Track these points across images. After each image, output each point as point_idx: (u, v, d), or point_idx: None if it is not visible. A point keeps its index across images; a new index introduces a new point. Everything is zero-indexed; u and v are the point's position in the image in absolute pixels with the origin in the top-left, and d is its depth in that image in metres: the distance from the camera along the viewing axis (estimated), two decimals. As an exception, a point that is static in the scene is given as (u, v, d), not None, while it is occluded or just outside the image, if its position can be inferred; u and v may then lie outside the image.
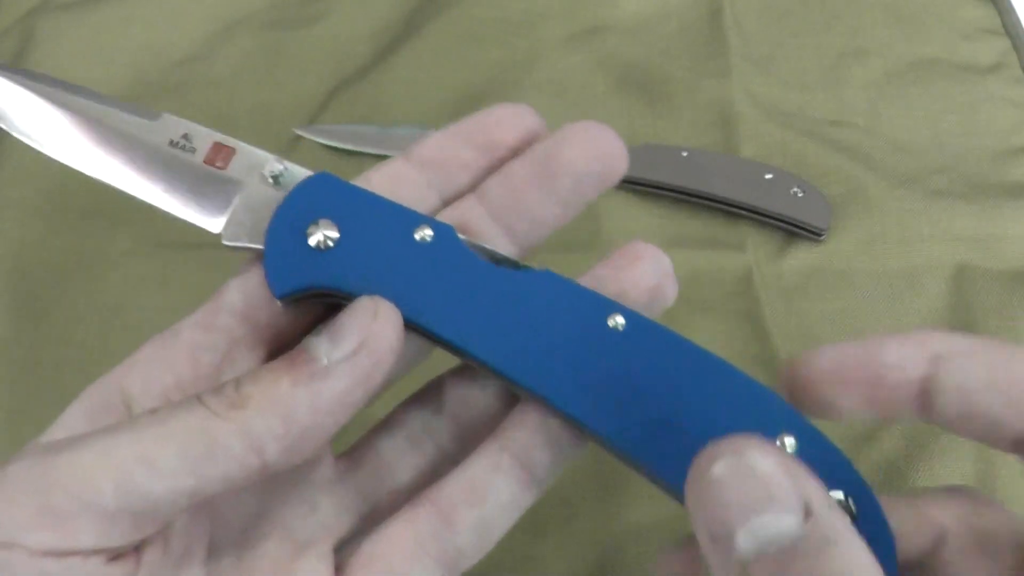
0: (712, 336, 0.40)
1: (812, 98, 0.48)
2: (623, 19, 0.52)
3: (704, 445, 0.18)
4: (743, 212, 0.44)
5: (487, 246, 0.24)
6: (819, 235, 0.43)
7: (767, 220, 0.43)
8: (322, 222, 0.23)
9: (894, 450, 0.37)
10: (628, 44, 0.51)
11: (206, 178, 0.25)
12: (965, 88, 0.48)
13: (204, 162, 0.25)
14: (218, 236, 0.25)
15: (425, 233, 0.23)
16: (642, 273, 0.24)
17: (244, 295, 0.24)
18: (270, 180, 0.25)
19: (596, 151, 0.24)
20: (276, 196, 0.24)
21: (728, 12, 0.51)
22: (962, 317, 0.41)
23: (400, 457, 0.25)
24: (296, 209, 0.23)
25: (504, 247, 0.25)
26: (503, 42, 0.51)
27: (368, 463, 0.25)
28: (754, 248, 0.43)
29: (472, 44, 0.51)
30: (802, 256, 0.43)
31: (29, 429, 0.39)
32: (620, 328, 0.22)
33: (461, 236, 0.23)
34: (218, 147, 0.25)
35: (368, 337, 0.21)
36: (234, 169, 0.25)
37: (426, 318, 0.22)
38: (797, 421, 0.21)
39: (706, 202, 0.44)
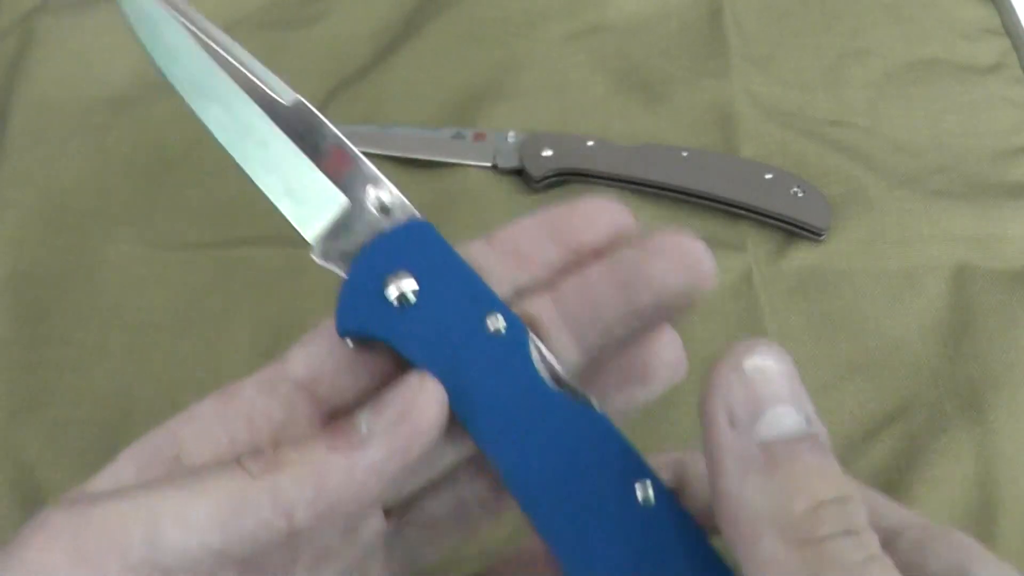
0: (712, 336, 0.40)
1: (812, 98, 0.48)
2: (623, 19, 0.52)
3: None
4: (743, 212, 0.43)
5: (553, 360, 0.22)
6: (819, 235, 0.43)
7: (767, 220, 0.43)
8: (404, 276, 0.22)
9: (894, 450, 0.37)
10: (628, 44, 0.51)
11: (317, 179, 0.24)
12: (965, 88, 0.48)
13: (321, 165, 0.24)
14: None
15: (499, 325, 0.22)
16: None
17: (308, 368, 0.23)
18: (378, 205, 0.24)
19: (684, 268, 0.23)
20: (376, 225, 0.23)
21: (728, 12, 0.51)
22: (962, 317, 0.40)
23: (447, 516, 0.25)
24: (385, 251, 0.23)
25: (570, 352, 0.23)
26: (503, 42, 0.51)
27: (416, 522, 0.25)
28: (754, 248, 0.43)
29: (472, 44, 0.51)
30: (802, 256, 0.43)
31: (29, 429, 0.39)
32: (650, 503, 0.21)
33: (532, 339, 0.22)
34: (338, 152, 0.24)
35: (409, 410, 0.21)
36: (347, 181, 0.24)
37: (468, 414, 0.22)
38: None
39: (706, 202, 0.44)
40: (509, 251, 0.24)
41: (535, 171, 0.45)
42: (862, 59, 0.50)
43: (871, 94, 0.48)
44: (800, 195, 0.43)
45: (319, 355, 0.23)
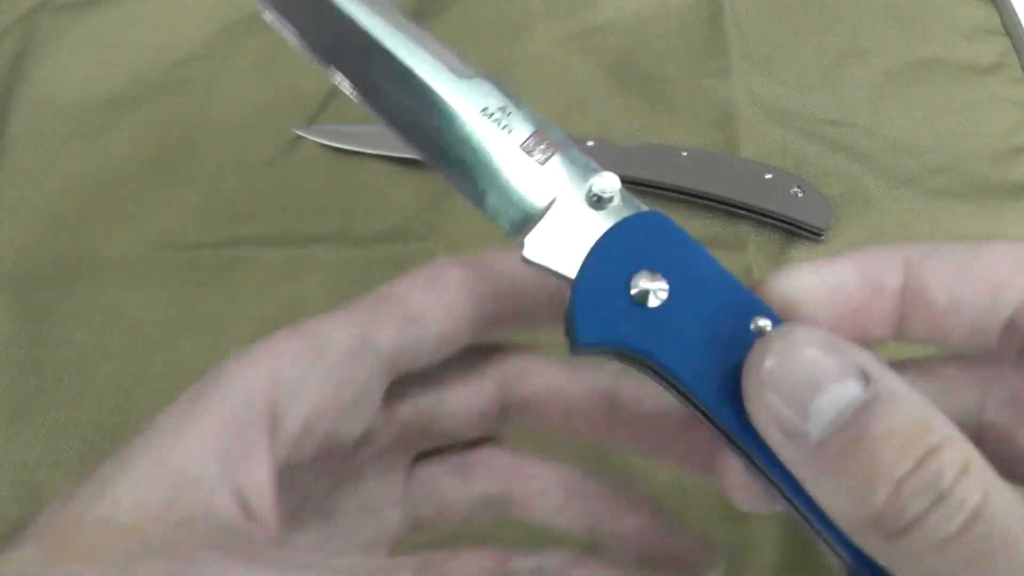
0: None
1: (812, 98, 0.48)
2: (623, 19, 0.52)
3: None
4: (743, 212, 0.43)
5: None
6: (819, 235, 0.43)
7: (767, 220, 0.43)
8: (652, 275, 0.19)
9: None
10: (628, 44, 0.51)
11: (518, 169, 0.21)
12: (965, 88, 0.48)
13: (521, 148, 0.21)
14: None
15: (765, 327, 0.19)
16: None
17: (395, 347, 0.22)
18: (593, 198, 0.20)
19: None
20: (594, 220, 0.20)
21: (728, 12, 0.51)
22: (962, 317, 0.40)
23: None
24: (619, 247, 0.20)
25: None
26: (503, 42, 0.51)
27: (422, 481, 0.26)
28: (754, 248, 0.43)
29: (472, 44, 0.51)
30: (802, 256, 0.43)
31: (29, 429, 0.39)
32: None
33: None
34: (540, 135, 0.21)
35: None
36: (553, 170, 0.21)
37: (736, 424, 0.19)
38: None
39: (706, 202, 0.44)
40: None
41: (535, 171, 0.45)
42: (862, 59, 0.50)
43: (871, 94, 0.48)
44: (800, 195, 0.43)
45: (405, 332, 0.22)
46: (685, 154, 0.45)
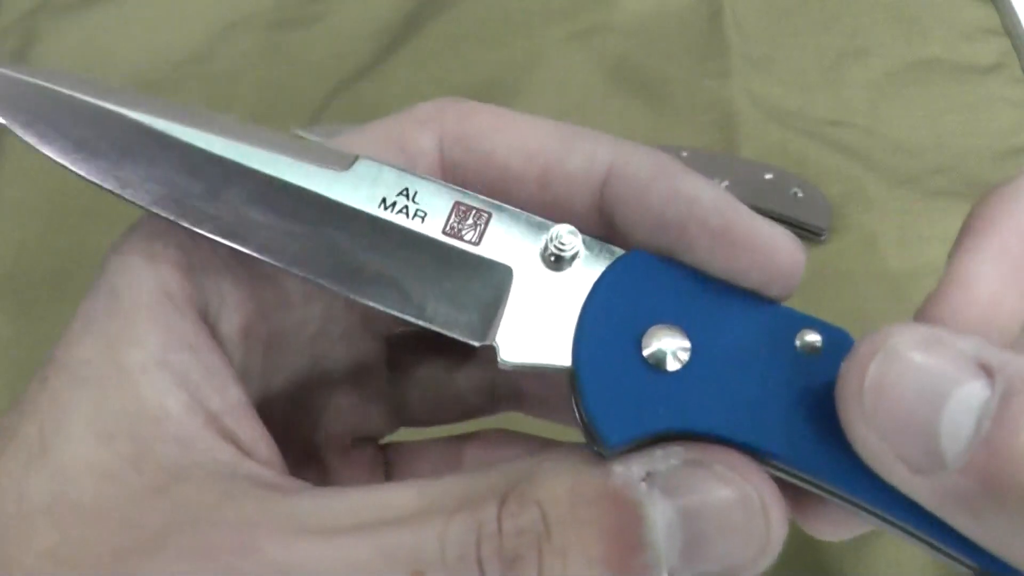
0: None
1: (812, 98, 0.48)
2: (623, 19, 0.52)
3: None
4: (743, 212, 0.43)
5: None
6: (819, 235, 0.43)
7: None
8: (660, 329, 0.16)
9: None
10: (628, 44, 0.51)
11: (451, 260, 0.17)
12: (965, 88, 0.48)
13: (445, 233, 0.17)
14: None
15: (814, 341, 0.16)
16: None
17: (437, 147, 0.19)
18: (552, 259, 0.17)
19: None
20: (566, 285, 0.17)
21: (728, 12, 0.51)
22: (962, 317, 0.40)
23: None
24: (611, 310, 0.16)
25: None
26: (503, 42, 0.51)
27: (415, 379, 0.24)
28: (754, 248, 0.43)
29: (472, 44, 0.51)
30: (802, 256, 0.43)
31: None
32: None
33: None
34: (461, 208, 0.17)
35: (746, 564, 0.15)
36: (492, 244, 0.17)
37: (795, 461, 0.15)
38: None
39: (706, 202, 0.44)
40: None
41: (535, 171, 0.45)
42: (862, 59, 0.50)
43: (871, 94, 0.48)
44: (800, 195, 0.43)
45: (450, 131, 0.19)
46: (685, 154, 0.45)
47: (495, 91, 0.49)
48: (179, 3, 0.53)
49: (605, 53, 0.50)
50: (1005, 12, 0.51)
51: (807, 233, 0.43)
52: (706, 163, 0.44)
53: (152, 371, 0.16)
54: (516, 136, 0.18)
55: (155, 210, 0.18)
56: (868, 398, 0.14)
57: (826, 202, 0.43)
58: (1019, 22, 0.50)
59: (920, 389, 0.13)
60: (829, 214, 0.43)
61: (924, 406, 0.13)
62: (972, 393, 0.13)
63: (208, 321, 0.17)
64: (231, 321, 0.18)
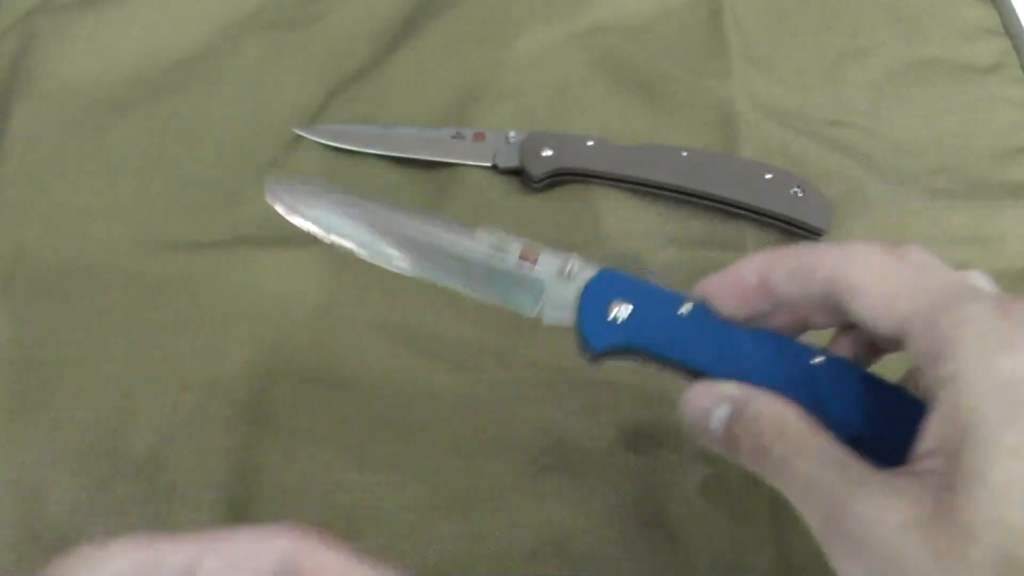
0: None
1: (812, 98, 0.48)
2: (623, 19, 0.52)
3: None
4: (743, 212, 0.44)
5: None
6: (819, 235, 0.43)
7: (767, 220, 0.43)
8: (617, 302, 0.30)
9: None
10: (628, 44, 0.51)
11: (522, 274, 0.32)
12: (965, 88, 0.48)
13: (520, 260, 0.32)
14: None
15: (685, 308, 0.29)
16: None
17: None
18: (566, 275, 0.31)
19: None
20: (573, 288, 0.31)
21: (728, 12, 0.51)
22: (962, 317, 0.40)
23: None
24: (595, 294, 0.30)
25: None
26: (503, 42, 0.51)
27: None
28: (754, 248, 0.43)
29: (472, 44, 0.51)
30: (802, 256, 0.43)
31: (29, 429, 0.39)
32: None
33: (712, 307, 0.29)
34: (527, 250, 0.32)
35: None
36: (542, 266, 0.32)
37: (685, 354, 0.29)
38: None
39: (706, 202, 0.44)
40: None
41: (535, 171, 0.45)
42: (862, 59, 0.50)
43: (871, 94, 0.48)
44: (800, 195, 0.43)
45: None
46: (685, 154, 0.45)
47: (496, 91, 0.49)
48: (179, 3, 0.53)
49: (605, 53, 0.50)
50: (1005, 12, 0.51)
51: (807, 233, 0.43)
52: (706, 163, 0.44)
53: None
54: None
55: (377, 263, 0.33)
56: (686, 408, 0.28)
57: (826, 202, 0.43)
58: (1019, 22, 0.50)
59: (703, 408, 0.28)
60: (829, 214, 0.43)
61: (704, 414, 0.28)
62: (723, 410, 0.27)
63: None
64: None
